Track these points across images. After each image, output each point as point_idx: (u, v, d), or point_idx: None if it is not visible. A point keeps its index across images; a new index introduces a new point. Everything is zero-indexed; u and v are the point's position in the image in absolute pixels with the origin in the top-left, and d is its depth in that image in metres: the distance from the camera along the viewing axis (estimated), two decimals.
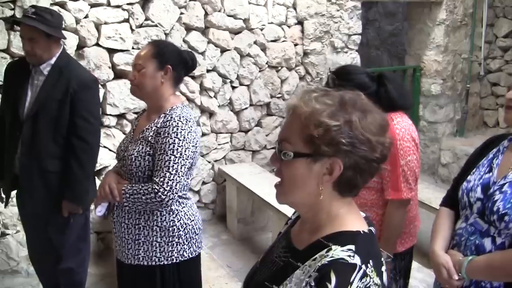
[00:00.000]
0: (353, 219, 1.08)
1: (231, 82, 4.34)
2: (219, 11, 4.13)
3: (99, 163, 3.45)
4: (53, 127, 2.52)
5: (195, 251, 2.13)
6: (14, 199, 2.84)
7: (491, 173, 1.74)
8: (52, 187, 2.57)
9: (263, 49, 4.44)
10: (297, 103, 1.05)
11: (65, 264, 2.71)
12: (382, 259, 1.07)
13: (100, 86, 3.18)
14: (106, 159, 3.68)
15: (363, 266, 0.97)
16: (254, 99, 4.48)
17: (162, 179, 1.93)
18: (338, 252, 1.00)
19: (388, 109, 1.95)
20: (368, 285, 0.96)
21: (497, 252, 1.65)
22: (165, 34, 3.90)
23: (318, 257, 1.01)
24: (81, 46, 3.58)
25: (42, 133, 2.52)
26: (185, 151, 1.97)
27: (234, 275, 3.24)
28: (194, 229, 2.12)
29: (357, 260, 0.98)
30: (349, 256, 0.98)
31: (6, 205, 2.82)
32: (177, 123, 1.98)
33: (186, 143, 1.97)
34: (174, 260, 2.07)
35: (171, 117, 2.00)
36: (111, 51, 3.70)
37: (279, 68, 4.57)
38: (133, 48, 3.75)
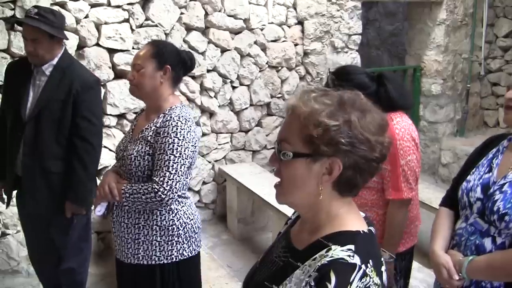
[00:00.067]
0: (353, 219, 1.08)
1: (232, 82, 4.34)
2: (220, 11, 4.14)
3: (100, 163, 3.44)
4: (55, 128, 2.52)
5: (194, 250, 2.14)
6: (14, 199, 2.83)
7: (491, 173, 1.74)
8: (55, 188, 2.57)
9: (263, 49, 4.44)
10: (296, 103, 1.05)
11: (66, 264, 2.70)
12: (383, 259, 1.07)
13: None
14: (106, 159, 3.68)
15: (363, 266, 0.97)
16: (254, 99, 4.48)
17: (162, 179, 1.94)
18: (338, 252, 1.00)
19: (388, 109, 1.95)
20: (368, 285, 0.96)
21: (498, 252, 1.65)
22: (165, 34, 3.90)
23: (318, 257, 1.01)
24: (81, 46, 3.58)
25: (44, 133, 2.52)
26: (184, 150, 1.97)
27: (235, 275, 3.24)
28: (193, 228, 2.13)
29: (356, 260, 0.98)
30: (349, 256, 0.98)
31: (7, 206, 2.82)
32: (177, 123, 1.98)
33: (186, 142, 1.98)
34: (174, 259, 2.08)
35: (171, 117, 2.00)
36: (111, 51, 3.70)
37: (279, 68, 4.57)
38: (133, 48, 3.75)
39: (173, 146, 1.96)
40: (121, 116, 3.84)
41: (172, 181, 1.94)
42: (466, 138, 5.74)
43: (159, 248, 2.05)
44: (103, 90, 3.67)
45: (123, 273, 2.20)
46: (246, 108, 4.47)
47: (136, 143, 2.05)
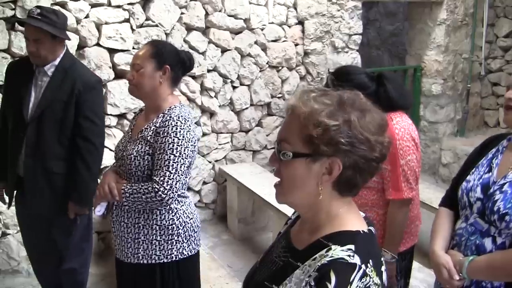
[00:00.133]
0: (353, 219, 1.08)
1: (232, 82, 4.34)
2: (220, 11, 4.14)
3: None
4: (57, 128, 2.51)
5: (194, 249, 2.15)
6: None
7: (490, 173, 1.74)
8: (57, 188, 2.57)
9: (264, 49, 4.44)
10: (296, 103, 1.05)
11: (68, 264, 2.70)
12: (384, 259, 1.07)
13: None
14: (107, 159, 3.67)
15: (363, 266, 0.97)
16: (255, 99, 4.48)
17: (162, 178, 1.94)
18: (338, 251, 1.00)
19: (388, 109, 1.95)
20: (368, 285, 0.96)
21: (498, 252, 1.65)
22: (165, 34, 3.90)
23: (318, 257, 1.02)
24: (81, 46, 3.58)
25: (47, 134, 2.51)
26: (184, 150, 1.97)
27: (235, 275, 3.24)
28: (192, 227, 2.13)
29: (356, 259, 0.98)
30: (349, 256, 0.98)
31: (9, 207, 2.82)
32: (176, 123, 1.99)
33: (185, 142, 1.98)
34: (174, 258, 2.08)
35: (170, 117, 2.01)
36: (112, 51, 3.70)
37: (280, 68, 4.57)
38: (133, 48, 3.75)
39: (173, 145, 1.96)
40: (121, 116, 3.84)
41: (172, 181, 1.95)
42: (467, 138, 5.74)
43: (159, 247, 2.06)
44: (103, 90, 3.67)
45: (123, 273, 2.21)
46: (247, 108, 4.47)
47: (136, 143, 2.06)
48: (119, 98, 3.76)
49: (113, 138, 3.78)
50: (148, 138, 2.02)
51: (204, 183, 4.43)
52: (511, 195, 1.64)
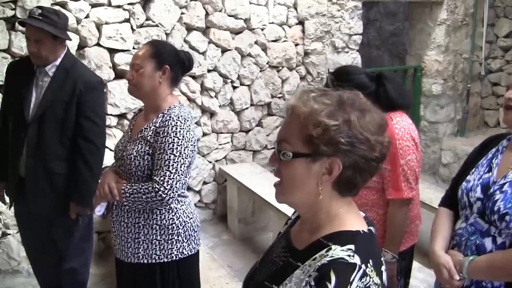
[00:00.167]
0: (353, 219, 1.08)
1: (232, 82, 4.34)
2: (220, 11, 4.14)
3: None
4: (59, 129, 2.51)
5: (194, 248, 2.15)
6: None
7: (490, 173, 1.74)
8: (59, 189, 2.56)
9: (264, 49, 4.44)
10: (296, 103, 1.05)
11: (68, 264, 2.70)
12: (385, 259, 1.07)
13: None
14: (107, 159, 3.67)
15: (363, 266, 0.97)
16: (255, 99, 4.48)
17: (162, 178, 1.94)
18: (338, 251, 1.00)
19: (388, 109, 1.95)
20: (368, 285, 0.96)
21: (498, 252, 1.65)
22: (166, 34, 3.90)
23: (318, 256, 1.02)
24: (82, 46, 3.58)
25: (48, 134, 2.51)
26: (184, 150, 1.98)
27: (235, 275, 3.24)
28: (192, 226, 2.14)
29: (356, 259, 0.98)
30: (349, 255, 0.98)
31: (10, 207, 2.82)
32: (176, 123, 1.99)
33: (185, 142, 1.99)
34: (174, 258, 2.08)
35: (170, 117, 2.01)
36: (112, 51, 3.70)
37: (280, 68, 4.57)
38: (133, 48, 3.75)
39: (173, 145, 1.96)
40: (121, 116, 3.84)
41: (173, 181, 1.95)
42: (467, 138, 5.74)
43: (159, 247, 2.06)
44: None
45: (123, 273, 2.21)
46: (247, 108, 4.47)
47: (136, 143, 2.06)
48: (119, 98, 3.76)
49: (113, 138, 3.77)
50: (148, 138, 2.02)
51: (204, 183, 4.43)
52: (511, 195, 1.64)
